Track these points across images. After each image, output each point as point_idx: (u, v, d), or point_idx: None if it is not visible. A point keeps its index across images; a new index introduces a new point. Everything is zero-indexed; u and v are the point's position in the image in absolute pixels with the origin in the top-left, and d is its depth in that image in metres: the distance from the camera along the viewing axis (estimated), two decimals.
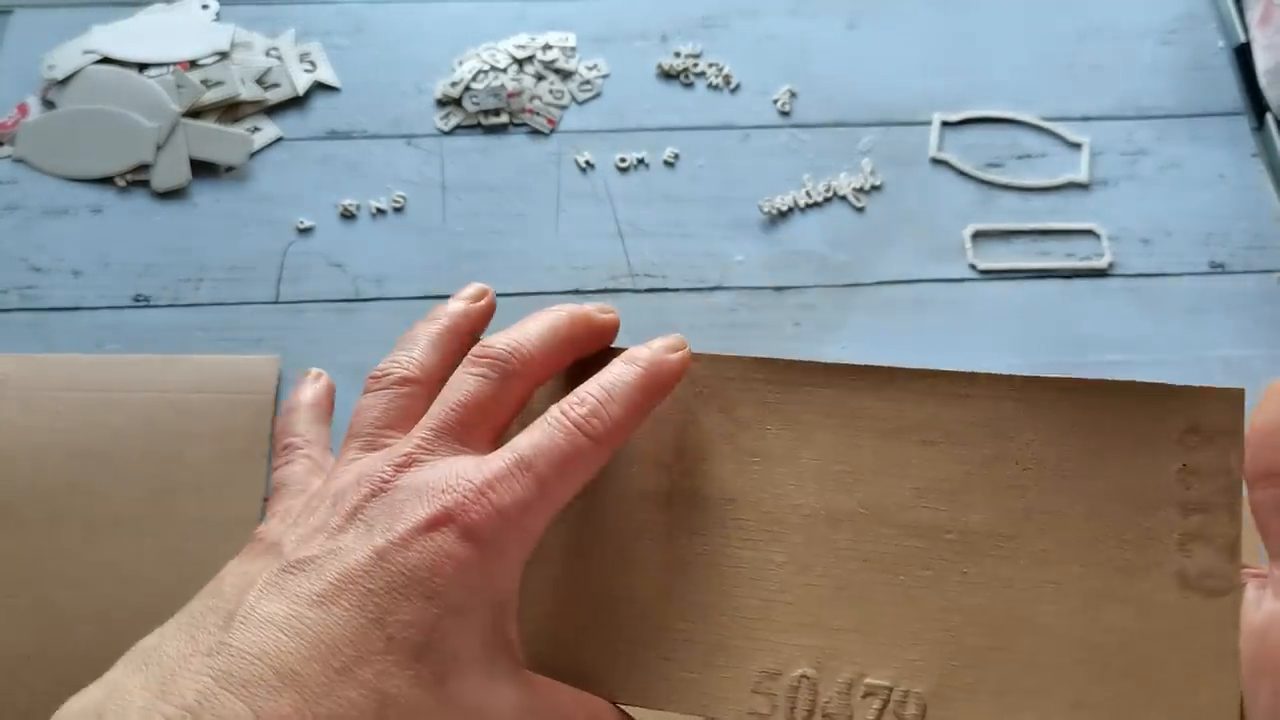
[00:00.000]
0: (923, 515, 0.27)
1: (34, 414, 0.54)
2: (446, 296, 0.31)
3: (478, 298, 0.31)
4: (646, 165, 0.64)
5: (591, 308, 0.29)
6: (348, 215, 0.62)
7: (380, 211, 0.62)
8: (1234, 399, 0.26)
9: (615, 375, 0.27)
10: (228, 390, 0.55)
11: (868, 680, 0.26)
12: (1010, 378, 0.27)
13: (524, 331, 0.28)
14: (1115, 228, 0.62)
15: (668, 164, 0.64)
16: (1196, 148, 0.64)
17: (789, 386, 0.29)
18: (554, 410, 0.26)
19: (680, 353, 0.28)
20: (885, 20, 0.70)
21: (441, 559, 0.23)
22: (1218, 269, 0.60)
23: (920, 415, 0.28)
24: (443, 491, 0.24)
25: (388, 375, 0.28)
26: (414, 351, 0.29)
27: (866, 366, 0.28)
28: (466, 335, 0.30)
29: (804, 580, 0.27)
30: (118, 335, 0.58)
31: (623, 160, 0.64)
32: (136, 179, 0.63)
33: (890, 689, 0.26)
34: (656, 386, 0.27)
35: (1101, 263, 0.60)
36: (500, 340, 0.27)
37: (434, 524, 0.24)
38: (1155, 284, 0.60)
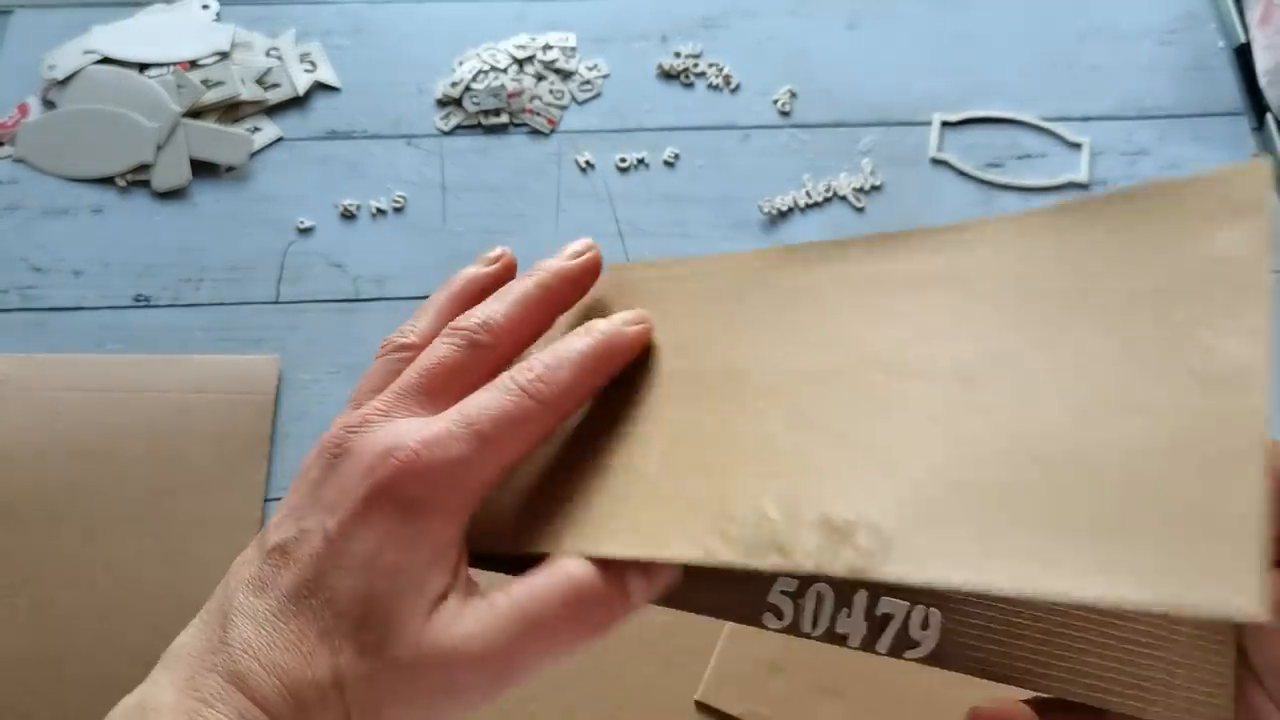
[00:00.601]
0: (922, 356, 0.24)
1: (34, 414, 0.54)
2: None
3: (493, 261, 0.32)
4: (646, 165, 0.64)
5: (563, 260, 0.30)
6: (348, 215, 0.62)
7: (380, 211, 0.63)
8: (1256, 174, 0.22)
9: (568, 344, 0.28)
10: (228, 390, 0.55)
11: (826, 513, 0.23)
12: (1015, 216, 0.24)
13: (499, 302, 0.29)
14: None
15: (668, 164, 0.64)
16: (1197, 148, 0.64)
17: (783, 267, 0.28)
18: (504, 375, 0.27)
19: (639, 326, 0.29)
20: (885, 20, 0.70)
21: (379, 532, 0.25)
22: None
23: (919, 268, 0.25)
24: (382, 455, 0.25)
25: (390, 343, 0.30)
26: (420, 320, 0.30)
27: (859, 237, 0.26)
28: (478, 298, 0.30)
29: (795, 437, 0.25)
30: (118, 335, 0.58)
31: (623, 160, 0.64)
32: (137, 179, 0.63)
33: (853, 521, 0.23)
34: (609, 356, 0.28)
35: None
36: (475, 313, 0.29)
37: (371, 497, 0.25)
38: None
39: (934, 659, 0.25)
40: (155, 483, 0.52)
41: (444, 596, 0.26)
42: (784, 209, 0.62)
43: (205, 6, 0.70)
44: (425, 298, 0.63)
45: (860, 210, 0.63)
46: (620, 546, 0.25)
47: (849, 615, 0.25)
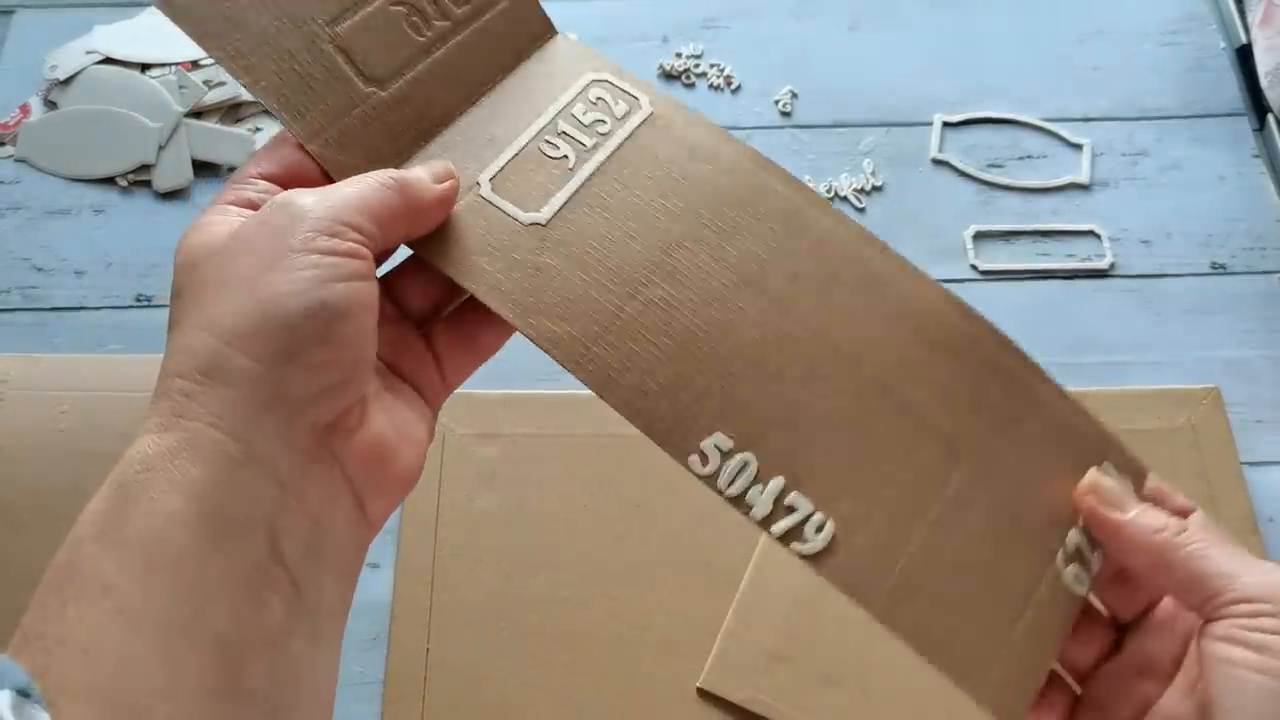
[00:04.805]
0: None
1: (36, 414, 0.54)
2: None
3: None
4: None
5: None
6: None
7: None
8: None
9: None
10: None
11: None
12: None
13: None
14: (1116, 228, 0.62)
15: None
16: (1197, 149, 0.65)
17: None
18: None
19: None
20: (886, 22, 0.70)
21: None
22: (1218, 270, 0.60)
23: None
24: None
25: None
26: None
27: None
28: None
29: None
30: (120, 335, 0.58)
31: None
32: (139, 179, 0.63)
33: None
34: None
35: (1102, 263, 0.60)
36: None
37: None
38: (1156, 285, 0.60)
39: (813, 561, 0.27)
40: None
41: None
42: None
43: None
44: None
45: (861, 210, 0.63)
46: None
47: (761, 492, 0.28)
